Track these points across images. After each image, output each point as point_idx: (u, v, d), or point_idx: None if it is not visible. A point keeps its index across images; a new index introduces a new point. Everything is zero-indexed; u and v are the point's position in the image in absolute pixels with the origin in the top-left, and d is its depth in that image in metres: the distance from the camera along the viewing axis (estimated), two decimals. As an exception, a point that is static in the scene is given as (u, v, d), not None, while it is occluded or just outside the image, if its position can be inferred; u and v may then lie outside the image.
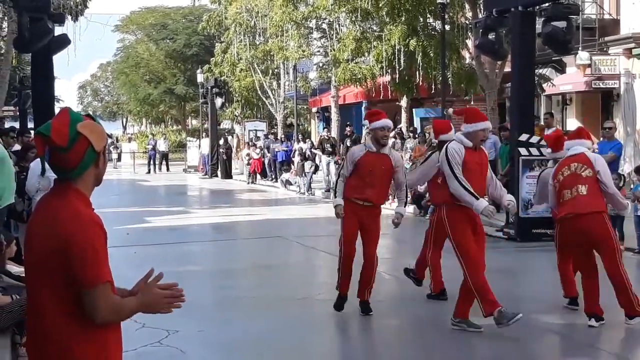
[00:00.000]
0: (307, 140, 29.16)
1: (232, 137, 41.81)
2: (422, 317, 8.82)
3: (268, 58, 35.53)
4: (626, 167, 15.09)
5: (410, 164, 21.14)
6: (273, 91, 37.59)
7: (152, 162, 42.18)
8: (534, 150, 14.45)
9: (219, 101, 37.17)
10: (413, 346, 7.78)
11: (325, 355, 7.81)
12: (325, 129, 32.63)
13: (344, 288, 8.70)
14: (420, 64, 24.81)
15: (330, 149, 25.28)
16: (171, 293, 3.14)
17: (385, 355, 7.59)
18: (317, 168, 26.55)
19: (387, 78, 27.31)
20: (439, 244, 9.32)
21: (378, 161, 8.52)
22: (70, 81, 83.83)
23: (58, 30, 15.36)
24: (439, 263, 9.41)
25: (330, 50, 29.15)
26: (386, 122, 8.65)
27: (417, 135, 22.96)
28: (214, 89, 37.35)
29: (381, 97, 28.67)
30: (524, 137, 14.47)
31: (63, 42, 15.34)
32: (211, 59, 40.61)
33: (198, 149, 40.92)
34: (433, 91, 26.70)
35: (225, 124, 49.46)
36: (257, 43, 36.84)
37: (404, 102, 28.26)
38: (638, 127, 15.42)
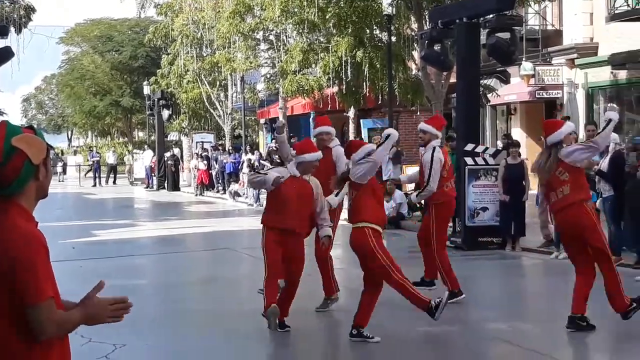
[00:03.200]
0: (255, 152, 29.10)
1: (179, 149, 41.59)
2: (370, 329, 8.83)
3: (215, 70, 35.39)
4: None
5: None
6: (221, 103, 37.44)
7: (97, 175, 41.71)
8: (479, 160, 14.61)
9: (165, 113, 36.92)
10: (355, 355, 7.78)
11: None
12: (274, 141, 32.58)
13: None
14: (367, 75, 24.90)
15: (278, 160, 25.22)
16: (115, 301, 3.11)
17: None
18: (265, 179, 26.45)
19: (335, 89, 27.40)
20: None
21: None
22: (14, 94, 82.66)
23: (1, 43, 15.15)
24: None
25: (278, 62, 29.14)
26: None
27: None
28: (160, 101, 37.09)
29: (329, 108, 28.70)
30: (469, 146, 14.63)
31: (6, 54, 15.13)
32: (158, 71, 40.30)
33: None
34: (380, 102, 26.83)
35: (173, 136, 49.13)
36: (204, 55, 36.68)
37: (351, 113, 28.34)
38: (581, 136, 15.68)
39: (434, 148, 9.83)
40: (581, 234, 7.92)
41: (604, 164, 12.24)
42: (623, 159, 12.25)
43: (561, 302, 10.03)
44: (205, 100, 37.04)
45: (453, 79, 18.56)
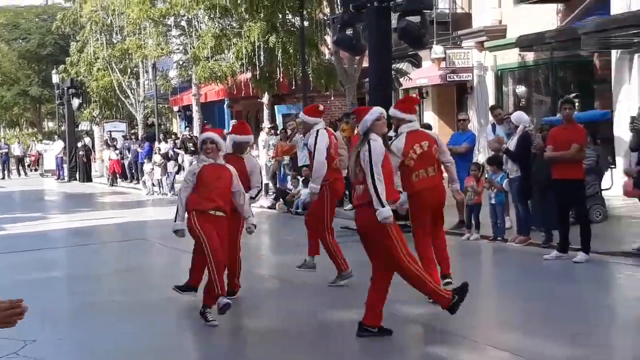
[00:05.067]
0: (168, 140, 28.77)
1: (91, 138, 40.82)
2: (293, 313, 8.83)
3: (126, 57, 34.78)
4: (480, 158, 15.61)
5: (273, 161, 21.22)
6: (132, 91, 36.85)
7: (5, 167, 40.65)
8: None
9: (75, 102, 36.19)
10: (279, 344, 7.76)
11: (189, 357, 7.72)
12: (187, 128, 32.28)
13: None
14: (280, 60, 24.86)
15: (192, 148, 25.02)
16: (10, 305, 3.02)
17: (252, 355, 7.55)
18: (180, 168, 26.25)
19: (248, 75, 27.27)
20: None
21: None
22: None
23: None
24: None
25: (190, 48, 28.84)
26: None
27: (279, 132, 23.03)
28: (70, 90, 36.32)
29: (243, 95, 28.57)
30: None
31: None
32: (67, 59, 39.42)
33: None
34: (294, 87, 26.83)
35: (84, 126, 48.17)
36: (115, 42, 36.03)
37: (265, 99, 28.26)
38: (490, 119, 15.95)
39: (317, 131, 9.87)
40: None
41: (512, 144, 12.48)
42: (530, 140, 12.51)
43: (474, 282, 10.23)
44: (117, 88, 36.41)
45: (366, 63, 18.63)
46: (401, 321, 8.14)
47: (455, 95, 25.82)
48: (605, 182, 14.62)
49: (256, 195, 9.62)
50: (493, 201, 12.92)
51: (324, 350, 7.40)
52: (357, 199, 7.54)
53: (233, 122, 18.09)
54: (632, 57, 18.13)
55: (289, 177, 20.09)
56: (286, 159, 20.94)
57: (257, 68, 25.63)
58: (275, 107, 29.21)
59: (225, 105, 35.01)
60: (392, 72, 19.27)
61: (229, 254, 8.67)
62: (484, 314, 8.82)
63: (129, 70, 36.67)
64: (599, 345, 7.11)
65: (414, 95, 23.11)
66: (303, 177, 19.30)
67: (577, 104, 15.65)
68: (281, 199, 20.12)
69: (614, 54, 18.63)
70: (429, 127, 15.44)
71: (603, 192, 14.30)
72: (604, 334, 7.65)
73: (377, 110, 7.67)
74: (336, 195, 10.19)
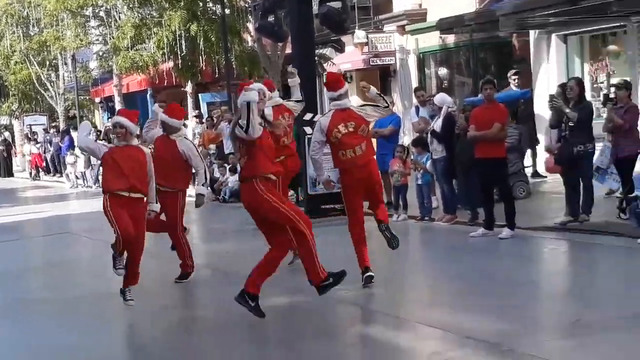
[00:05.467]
0: (91, 132, 28.27)
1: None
2: (225, 302, 8.82)
3: (44, 49, 34.03)
4: (405, 140, 15.78)
5: (201, 149, 21.08)
6: (52, 83, 36.12)
7: None
8: (318, 129, 14.74)
9: (-7, 96, 35.33)
10: (212, 333, 7.75)
11: (116, 350, 7.64)
12: (110, 119, 31.79)
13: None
14: (203, 48, 24.68)
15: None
16: None
17: (184, 346, 7.52)
18: (104, 160, 25.85)
19: (170, 64, 27.00)
20: None
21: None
22: None
23: None
24: None
25: (110, 38, 28.39)
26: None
27: (204, 121, 22.90)
28: (-13, 84, 35.44)
29: (165, 84, 28.28)
30: (307, 116, 14.75)
31: None
32: (-18, 53, 38.37)
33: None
34: (217, 75, 26.67)
35: (3, 120, 47.05)
36: (32, 34, 35.21)
37: (189, 88, 28.01)
38: (414, 101, 16.14)
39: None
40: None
41: (436, 125, 12.64)
42: (454, 121, 12.69)
43: (403, 261, 10.38)
44: (35, 81, 35.63)
45: (289, 50, 18.65)
46: (332, 302, 8.20)
47: (378, 79, 25.98)
48: (528, 160, 14.96)
49: (206, 180, 9.64)
50: (419, 182, 13.08)
51: (257, 337, 7.41)
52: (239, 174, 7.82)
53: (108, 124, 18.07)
54: (550, 37, 18.53)
55: (215, 166, 20.00)
56: (212, 147, 20.85)
57: (179, 57, 25.39)
58: (199, 95, 29.00)
59: (148, 95, 34.58)
60: (316, 57, 19.31)
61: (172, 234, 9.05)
62: (414, 293, 8.94)
63: (47, 63, 35.89)
64: (526, 319, 7.27)
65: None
66: (230, 165, 19.26)
67: (517, 80, 16.00)
68: (209, 188, 20.02)
69: (532, 34, 19.00)
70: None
71: (526, 169, 14.62)
72: (531, 307, 7.82)
73: (256, 86, 7.76)
74: (288, 171, 9.91)
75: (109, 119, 33.11)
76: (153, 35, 25.82)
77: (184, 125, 11.52)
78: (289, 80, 10.63)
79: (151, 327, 8.13)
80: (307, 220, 7.67)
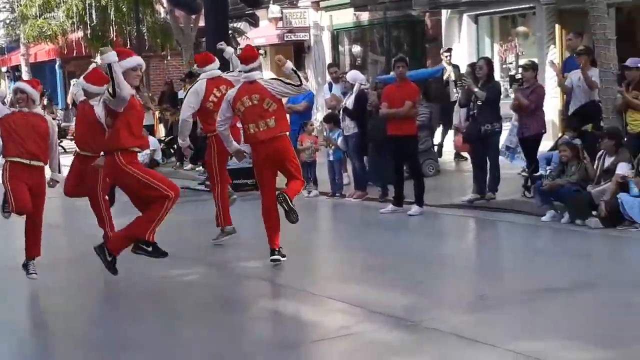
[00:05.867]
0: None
1: None
2: (131, 275, 8.72)
3: (-53, 16, 32.91)
4: (319, 116, 15.82)
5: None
6: (-45, 51, 34.98)
7: None
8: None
9: None
10: (123, 305, 7.67)
11: (20, 325, 7.50)
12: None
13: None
14: (114, 19, 24.19)
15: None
16: None
17: (84, 319, 7.43)
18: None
19: (80, 34, 26.39)
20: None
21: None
22: None
23: None
24: None
25: (17, 6, 27.57)
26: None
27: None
28: None
29: (75, 54, 27.66)
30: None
31: None
32: None
33: None
34: (129, 46, 26.14)
35: None
36: None
37: (98, 59, 27.41)
38: (327, 78, 16.18)
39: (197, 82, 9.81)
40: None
41: (349, 102, 12.71)
42: (366, 98, 12.78)
43: (314, 237, 10.44)
44: (-61, 49, 34.46)
45: (202, 22, 18.42)
46: (242, 277, 8.20)
47: (293, 54, 25.91)
48: (437, 138, 15.18)
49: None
50: (331, 158, 13.13)
51: (165, 308, 7.35)
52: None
53: (74, 81, 17.60)
54: (461, 17, 18.80)
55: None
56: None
57: (89, 27, 24.83)
58: (110, 67, 28.43)
59: (57, 66, 33.78)
60: (229, 31, 19.14)
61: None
62: (324, 268, 9.01)
63: (-49, 30, 34.72)
64: (432, 294, 7.42)
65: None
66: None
67: (449, 57, 16.18)
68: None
69: (444, 13, 19.25)
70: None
71: (435, 147, 14.84)
72: (438, 283, 7.97)
73: (135, 60, 7.67)
74: (222, 151, 9.65)
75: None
76: (62, 4, 25.16)
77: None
78: (224, 55, 10.49)
79: (56, 301, 7.98)
80: (174, 188, 7.64)
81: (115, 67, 7.29)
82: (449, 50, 16.85)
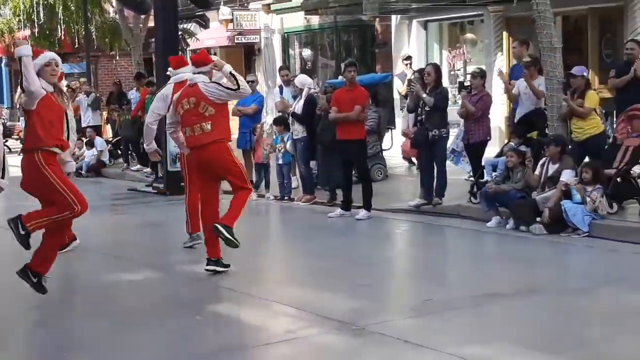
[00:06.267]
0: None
1: None
2: (76, 278, 8.63)
3: None
4: (268, 119, 15.79)
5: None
6: None
7: None
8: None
9: None
10: (29, 304, 7.53)
11: None
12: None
13: None
14: (62, 17, 23.89)
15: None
16: None
17: (23, 320, 7.32)
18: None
19: (27, 32, 26.00)
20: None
21: None
22: None
23: None
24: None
25: (-37, 2, 27.09)
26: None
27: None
28: None
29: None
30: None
31: None
32: None
33: None
34: (77, 46, 25.89)
35: None
36: None
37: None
38: (278, 81, 16.16)
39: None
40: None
41: (297, 106, 12.72)
42: (315, 102, 12.80)
43: (261, 240, 10.42)
44: None
45: (152, 23, 18.29)
46: (187, 278, 8.15)
47: (243, 57, 25.88)
48: (385, 143, 15.25)
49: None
50: (280, 161, 13.13)
51: (111, 309, 7.27)
52: None
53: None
54: (411, 23, 18.94)
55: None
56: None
57: (37, 25, 24.48)
58: (57, 66, 28.07)
59: (2, 64, 33.27)
60: (179, 32, 19.04)
61: None
62: (270, 271, 8.99)
63: None
64: (379, 298, 7.44)
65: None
66: (87, 139, 18.81)
67: (409, 65, 16.26)
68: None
69: (394, 19, 19.37)
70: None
71: (383, 152, 14.91)
72: (384, 287, 8.01)
73: (48, 56, 7.43)
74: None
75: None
76: (9, 1, 24.79)
77: None
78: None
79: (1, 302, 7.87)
80: (84, 203, 7.32)
81: (25, 60, 6.99)
82: (409, 58, 16.91)
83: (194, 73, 8.46)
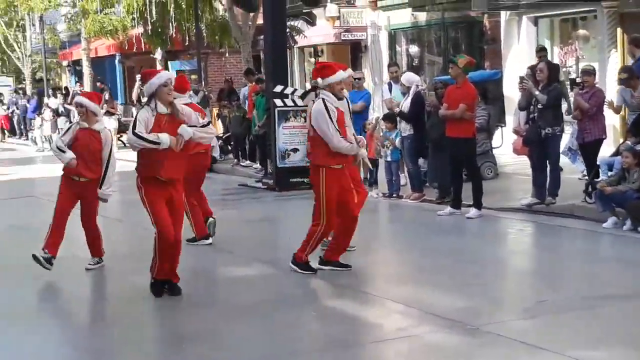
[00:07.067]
0: (58, 95, 27.98)
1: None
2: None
3: (12, 9, 33.52)
4: (375, 116, 15.80)
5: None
6: (19, 44, 35.61)
7: None
8: (288, 101, 14.75)
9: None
10: (174, 302, 7.75)
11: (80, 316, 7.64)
12: (78, 83, 31.48)
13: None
14: (173, 15, 24.46)
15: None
16: None
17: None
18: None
19: (140, 30, 26.73)
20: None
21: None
22: None
23: None
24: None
25: (78, 1, 28.02)
26: None
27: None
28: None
29: (135, 50, 28.03)
30: (278, 88, 14.74)
31: None
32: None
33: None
34: (188, 43, 26.46)
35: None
36: (-1, -6, 34.70)
37: (158, 55, 27.75)
38: (385, 78, 16.17)
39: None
40: None
41: (405, 104, 12.68)
42: (423, 100, 12.75)
43: (370, 238, 10.44)
44: (2, 42, 35.13)
45: (260, 20, 18.53)
46: (302, 276, 8.23)
47: (349, 54, 25.94)
48: (495, 140, 15.05)
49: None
50: (388, 159, 13.11)
51: (222, 304, 7.41)
52: None
53: (139, 76, 17.74)
54: (520, 19, 18.62)
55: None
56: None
57: (149, 23, 25.13)
58: (169, 63, 28.77)
59: (117, 61, 34.24)
60: (287, 29, 19.23)
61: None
62: (381, 269, 9.01)
63: (15, 24, 35.38)
64: (491, 298, 7.38)
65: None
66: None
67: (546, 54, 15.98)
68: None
69: (503, 15, 19.07)
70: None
71: (493, 150, 14.73)
72: (496, 287, 7.94)
73: (164, 76, 7.38)
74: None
75: (77, 83, 32.74)
76: (122, 0, 25.53)
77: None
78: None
79: (115, 293, 8.11)
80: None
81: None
82: (543, 49, 16.20)
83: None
